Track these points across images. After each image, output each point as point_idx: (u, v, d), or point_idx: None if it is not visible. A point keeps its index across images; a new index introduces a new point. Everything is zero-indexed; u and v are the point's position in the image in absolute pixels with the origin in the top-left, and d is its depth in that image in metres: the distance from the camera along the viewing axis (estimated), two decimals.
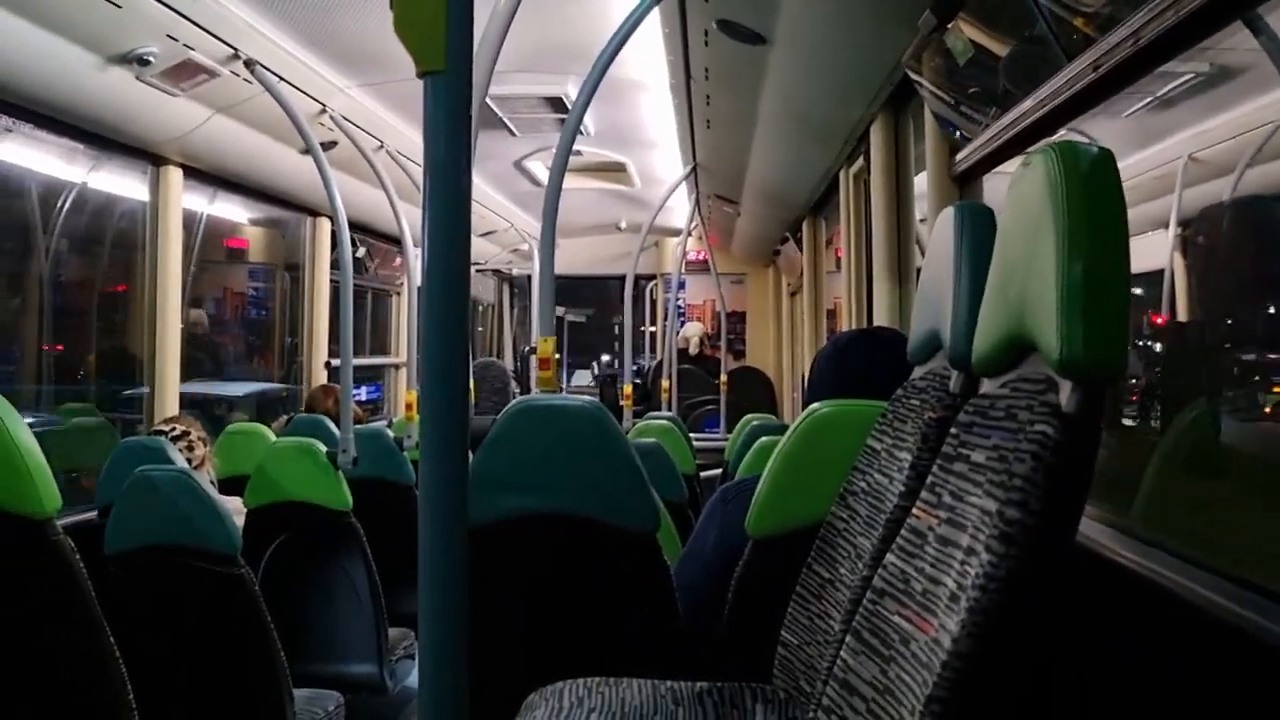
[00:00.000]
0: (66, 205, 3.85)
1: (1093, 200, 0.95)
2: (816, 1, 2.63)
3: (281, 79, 3.38)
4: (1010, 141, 2.20)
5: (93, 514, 2.95)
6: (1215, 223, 2.67)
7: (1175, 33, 1.38)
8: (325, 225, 5.28)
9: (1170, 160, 2.79)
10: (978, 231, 1.33)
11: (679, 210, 7.17)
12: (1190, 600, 1.22)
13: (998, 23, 2.14)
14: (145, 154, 3.66)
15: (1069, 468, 0.94)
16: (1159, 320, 2.66)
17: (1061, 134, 2.07)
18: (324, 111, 3.86)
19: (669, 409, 6.32)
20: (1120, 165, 0.98)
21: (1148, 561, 1.37)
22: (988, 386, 1.18)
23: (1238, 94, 2.46)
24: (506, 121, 4.83)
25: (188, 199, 3.99)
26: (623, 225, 8.19)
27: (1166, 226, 2.79)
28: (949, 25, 2.27)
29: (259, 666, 2.52)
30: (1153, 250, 2.75)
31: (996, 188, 2.54)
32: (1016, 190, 1.06)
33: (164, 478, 2.52)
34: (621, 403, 5.62)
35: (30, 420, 1.91)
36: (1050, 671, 1.26)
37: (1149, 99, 2.65)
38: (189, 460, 3.08)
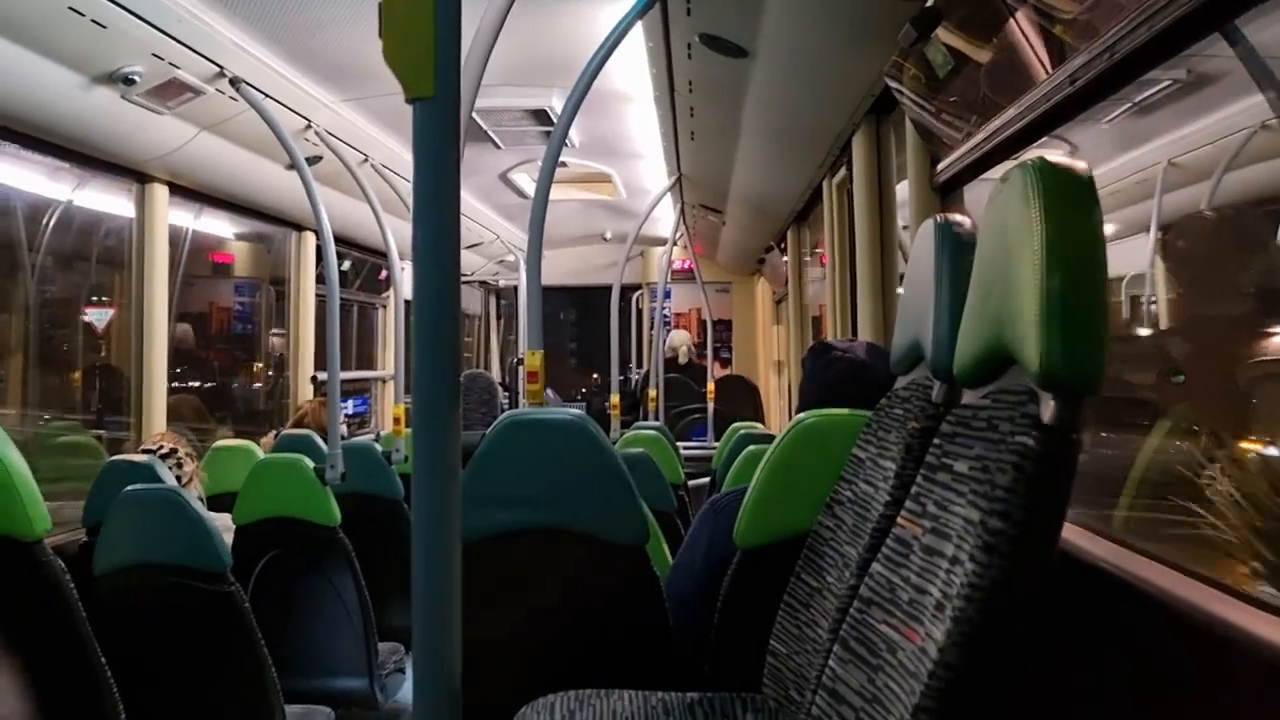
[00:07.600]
0: (52, 222, 3.84)
1: (1070, 215, 0.96)
2: (797, 15, 2.65)
3: (267, 96, 3.38)
4: (990, 152, 2.23)
5: (81, 534, 2.95)
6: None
7: (1149, 47, 1.41)
8: (310, 239, 5.28)
9: (1150, 165, 2.82)
10: (958, 244, 1.35)
11: (664, 220, 7.18)
12: (1173, 605, 1.24)
13: (976, 35, 2.16)
14: (131, 171, 3.66)
15: (1050, 478, 0.96)
16: None
17: (1043, 142, 2.09)
18: (309, 127, 3.86)
19: (656, 418, 6.33)
20: (1101, 170, 0.99)
21: (1129, 567, 1.38)
22: (969, 397, 1.20)
23: (1215, 100, 2.49)
24: (491, 135, 4.84)
25: (174, 215, 3.99)
26: (608, 235, 8.21)
27: (1148, 231, 2.81)
28: (929, 37, 2.29)
29: (249, 683, 2.52)
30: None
31: (978, 198, 2.56)
32: (995, 205, 1.08)
33: (152, 496, 2.52)
34: (610, 412, 5.63)
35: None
36: (1036, 678, 1.28)
37: (1129, 105, 2.68)
38: (178, 478, 3.07)
